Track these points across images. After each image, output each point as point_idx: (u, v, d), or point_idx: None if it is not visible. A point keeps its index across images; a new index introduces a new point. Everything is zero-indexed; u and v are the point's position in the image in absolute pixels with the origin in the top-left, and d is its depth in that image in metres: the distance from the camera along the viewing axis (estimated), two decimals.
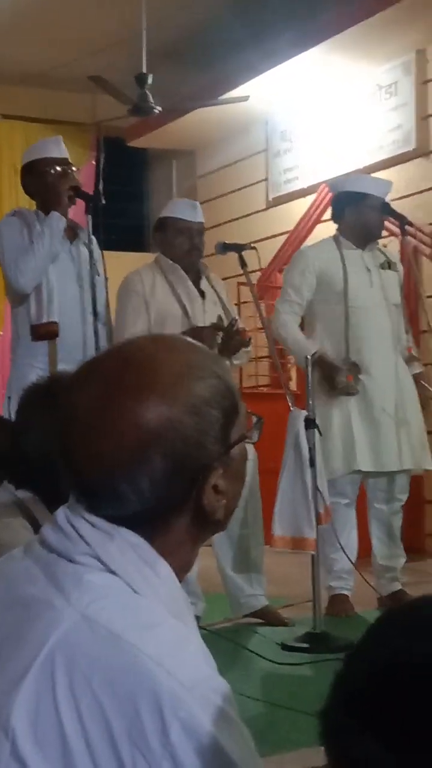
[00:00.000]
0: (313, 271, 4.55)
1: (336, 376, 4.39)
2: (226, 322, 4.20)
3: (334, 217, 4.74)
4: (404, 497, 4.62)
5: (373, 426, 4.46)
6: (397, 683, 0.82)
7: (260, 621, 4.26)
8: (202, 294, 4.33)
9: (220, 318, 4.25)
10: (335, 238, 4.66)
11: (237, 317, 4.34)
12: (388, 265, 4.63)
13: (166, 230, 4.39)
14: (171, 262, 4.35)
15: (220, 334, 4.19)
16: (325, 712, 0.87)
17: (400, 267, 4.76)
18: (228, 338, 4.16)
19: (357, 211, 4.60)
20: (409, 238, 4.70)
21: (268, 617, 4.26)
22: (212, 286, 4.32)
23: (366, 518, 4.63)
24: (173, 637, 1.02)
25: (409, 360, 4.65)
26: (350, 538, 4.46)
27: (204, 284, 4.36)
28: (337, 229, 4.70)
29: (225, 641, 3.66)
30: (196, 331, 4.13)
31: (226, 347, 4.18)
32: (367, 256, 4.61)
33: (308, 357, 4.12)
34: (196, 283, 4.35)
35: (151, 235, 4.73)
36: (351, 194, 4.64)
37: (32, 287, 4.02)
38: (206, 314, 4.28)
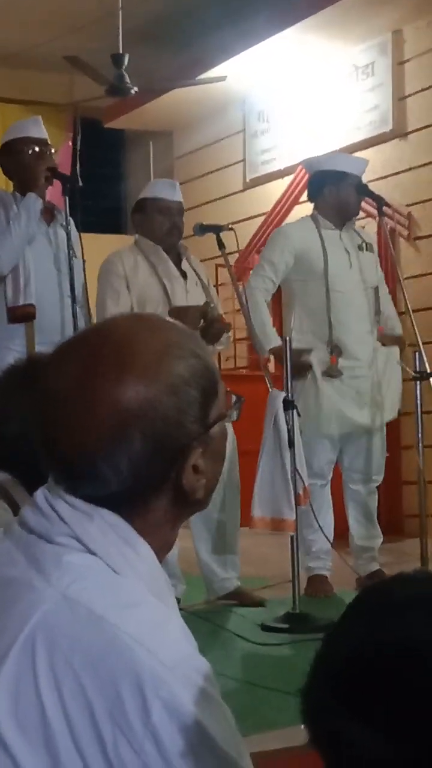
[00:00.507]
0: (291, 250, 4.54)
1: (300, 359, 4.37)
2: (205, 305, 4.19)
3: (311, 197, 4.73)
4: (380, 478, 4.65)
5: (342, 401, 4.48)
6: (374, 661, 0.83)
7: (235, 603, 4.26)
8: (184, 275, 4.31)
9: (207, 303, 4.23)
10: (313, 217, 4.65)
11: (214, 302, 4.32)
12: (366, 246, 4.62)
13: (146, 211, 4.37)
14: (152, 243, 4.33)
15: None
16: (305, 691, 0.88)
17: (375, 248, 4.75)
18: (208, 325, 4.15)
19: (336, 189, 4.59)
20: (386, 219, 4.69)
21: (242, 598, 4.27)
22: (193, 268, 4.30)
23: (342, 499, 4.65)
24: (154, 617, 1.02)
25: (385, 341, 4.65)
26: (326, 519, 4.48)
27: (185, 265, 4.34)
28: (315, 209, 4.69)
29: (205, 622, 3.67)
30: (180, 311, 4.13)
31: (207, 334, 4.18)
32: (345, 236, 4.61)
33: (288, 338, 4.13)
34: (177, 264, 4.34)
35: (129, 217, 4.69)
36: (329, 173, 4.63)
37: (9, 269, 3.99)
38: (188, 294, 4.27)
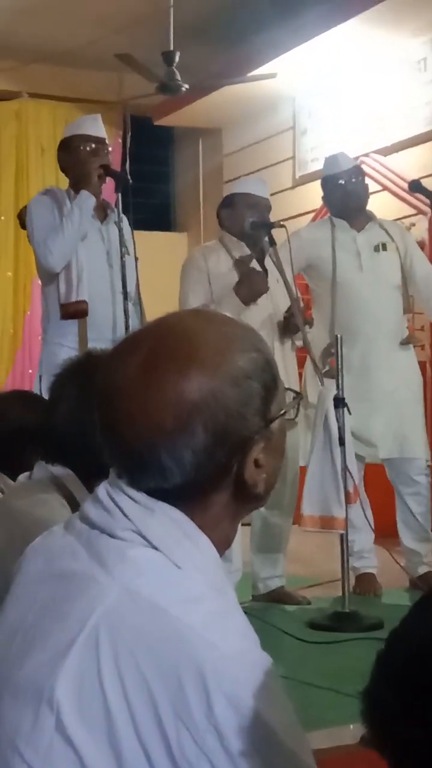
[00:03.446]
0: (302, 253, 4.51)
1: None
2: (290, 301, 4.16)
3: (324, 202, 4.76)
4: (422, 480, 4.49)
5: (356, 414, 4.39)
6: None
7: (277, 602, 4.24)
8: (266, 271, 4.31)
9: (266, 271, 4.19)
10: (330, 219, 4.65)
11: (296, 298, 4.29)
12: (383, 246, 4.51)
13: (235, 206, 4.37)
14: (236, 239, 4.33)
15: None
16: (367, 691, 0.86)
17: (402, 243, 4.58)
18: (289, 317, 4.15)
19: (328, 191, 4.64)
20: (380, 219, 4.66)
21: (284, 598, 4.26)
22: (277, 266, 4.27)
23: (394, 498, 4.59)
24: (216, 611, 1.02)
25: (408, 341, 4.57)
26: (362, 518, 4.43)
27: (267, 262, 4.34)
28: (330, 212, 4.71)
29: (253, 619, 3.65)
30: (243, 280, 4.13)
31: (288, 327, 4.18)
32: (362, 238, 4.53)
33: (339, 336, 4.10)
34: (261, 261, 4.34)
35: (178, 214, 4.69)
36: (325, 178, 4.70)
37: (61, 266, 4.01)
38: (269, 291, 4.26)
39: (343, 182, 4.56)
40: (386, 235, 4.56)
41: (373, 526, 4.42)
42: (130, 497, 1.09)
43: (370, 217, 4.60)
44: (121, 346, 1.13)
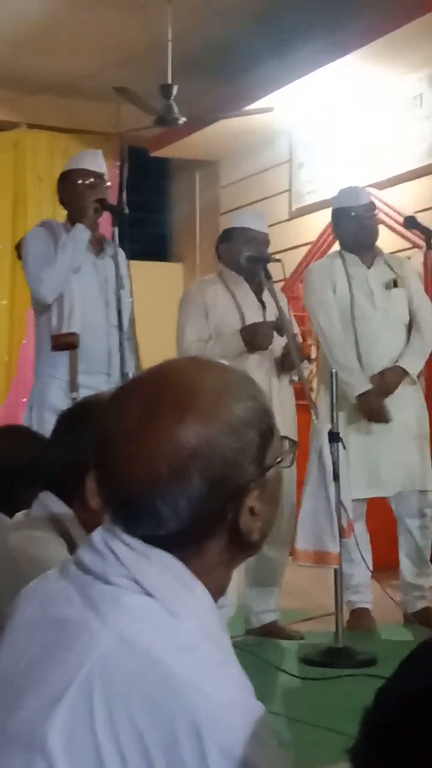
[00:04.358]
0: (329, 284, 4.53)
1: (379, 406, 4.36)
2: (287, 338, 4.17)
3: (335, 234, 4.76)
4: (430, 512, 4.52)
5: (371, 450, 4.41)
6: (424, 720, 0.79)
7: (270, 636, 4.23)
8: (264, 306, 4.33)
9: (279, 318, 4.21)
10: (340, 254, 4.63)
11: (294, 332, 4.30)
12: (394, 283, 4.52)
13: (233, 240, 4.40)
14: (234, 273, 4.35)
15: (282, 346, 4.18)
16: (355, 750, 0.84)
17: (412, 280, 4.61)
18: (287, 353, 4.16)
19: (340, 225, 4.63)
20: (387, 255, 4.67)
21: (277, 633, 4.24)
22: (274, 298, 4.29)
23: (394, 530, 4.59)
24: (211, 661, 1.02)
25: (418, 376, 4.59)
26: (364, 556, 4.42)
27: (265, 296, 4.35)
28: (340, 246, 4.69)
29: (245, 654, 3.65)
30: (252, 326, 4.17)
31: (285, 363, 4.19)
32: (372, 274, 4.54)
33: (333, 371, 4.12)
34: (258, 295, 4.35)
35: (174, 245, 4.72)
36: (335, 211, 4.68)
37: (53, 297, 4.03)
38: None
39: (356, 215, 4.56)
40: (392, 271, 4.57)
41: (370, 564, 4.41)
42: (125, 543, 1.09)
43: (377, 253, 4.61)
44: (118, 394, 1.13)
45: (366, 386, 4.38)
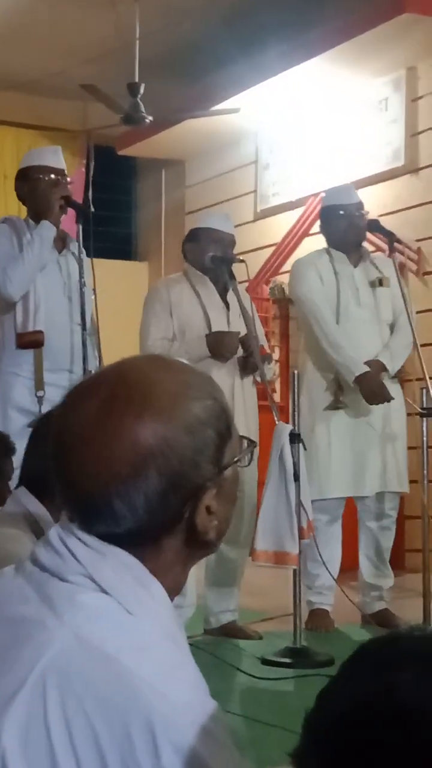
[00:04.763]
0: (316, 275, 4.54)
1: (378, 386, 4.36)
2: (248, 338, 4.18)
3: (322, 231, 4.75)
4: (394, 513, 4.58)
5: (354, 448, 4.44)
6: (360, 727, 0.79)
7: (228, 637, 4.23)
8: (228, 306, 4.33)
9: (246, 335, 4.22)
10: (327, 250, 4.64)
11: (257, 333, 4.29)
12: (380, 282, 4.55)
13: (199, 240, 4.40)
14: (199, 273, 4.36)
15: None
16: (296, 754, 0.84)
17: (394, 281, 4.60)
18: (247, 355, 4.17)
19: (329, 223, 4.63)
20: (396, 254, 4.68)
21: (235, 633, 4.25)
22: (238, 299, 4.30)
23: (356, 534, 4.61)
24: (166, 660, 1.02)
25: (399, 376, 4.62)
26: (332, 555, 4.44)
27: (230, 296, 4.35)
28: (327, 243, 4.70)
29: (204, 654, 3.65)
30: (217, 336, 4.17)
31: (246, 365, 4.20)
32: (358, 272, 4.56)
33: (295, 372, 4.14)
34: (223, 295, 4.36)
35: (138, 243, 4.72)
36: (325, 208, 4.69)
37: (20, 295, 4.01)
38: (230, 325, 4.28)
39: (345, 213, 4.56)
40: (378, 271, 4.58)
41: (338, 566, 4.43)
42: (81, 541, 1.08)
43: (363, 253, 4.62)
44: (75, 392, 1.13)
45: (364, 368, 4.39)
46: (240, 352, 4.23)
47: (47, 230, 4.03)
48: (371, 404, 4.41)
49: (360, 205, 4.65)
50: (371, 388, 4.39)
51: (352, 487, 4.45)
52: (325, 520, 4.45)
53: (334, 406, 4.46)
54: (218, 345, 4.18)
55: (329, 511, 4.49)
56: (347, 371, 4.41)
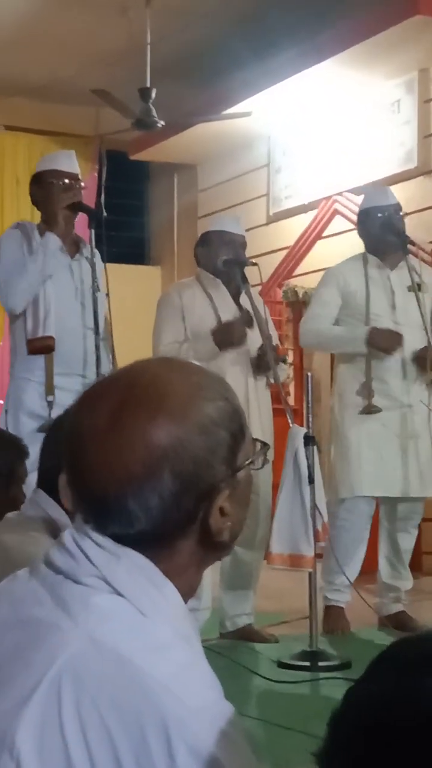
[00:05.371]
0: (338, 288, 4.53)
1: (394, 344, 4.34)
2: (263, 339, 4.17)
3: (359, 234, 4.71)
4: (417, 516, 4.56)
5: (384, 449, 4.42)
6: (385, 727, 0.78)
7: (244, 640, 4.23)
8: (240, 308, 4.33)
9: (248, 313, 4.22)
10: (363, 255, 4.61)
11: (270, 334, 4.29)
12: (418, 287, 4.46)
13: (211, 243, 4.41)
14: (212, 276, 4.36)
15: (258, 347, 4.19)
16: (319, 753, 0.84)
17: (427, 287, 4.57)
18: (262, 354, 4.17)
19: (364, 227, 4.61)
20: (410, 258, 4.65)
21: (251, 636, 4.25)
22: (251, 302, 4.30)
23: (376, 536, 4.58)
24: (181, 661, 1.02)
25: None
26: (357, 556, 4.43)
27: (243, 299, 4.36)
28: (365, 247, 4.66)
29: (220, 657, 3.65)
30: (222, 326, 4.18)
31: (260, 365, 4.19)
32: (395, 276, 4.51)
33: (309, 374, 4.13)
34: (235, 298, 4.36)
35: (150, 248, 4.72)
36: (360, 212, 4.68)
37: (22, 307, 4.02)
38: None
39: (384, 216, 4.53)
40: (418, 276, 4.52)
41: (355, 567, 4.42)
42: (95, 543, 1.08)
43: (403, 256, 4.54)
44: (89, 393, 1.13)
45: (365, 328, 4.38)
46: (254, 352, 4.23)
47: (51, 242, 4.03)
48: (391, 352, 4.36)
49: (398, 207, 4.62)
50: (382, 336, 4.36)
51: (381, 487, 4.42)
52: (355, 520, 4.43)
53: (368, 410, 4.43)
54: (225, 333, 4.17)
55: (359, 513, 4.45)
56: (355, 341, 4.40)
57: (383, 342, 4.38)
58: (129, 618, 1.04)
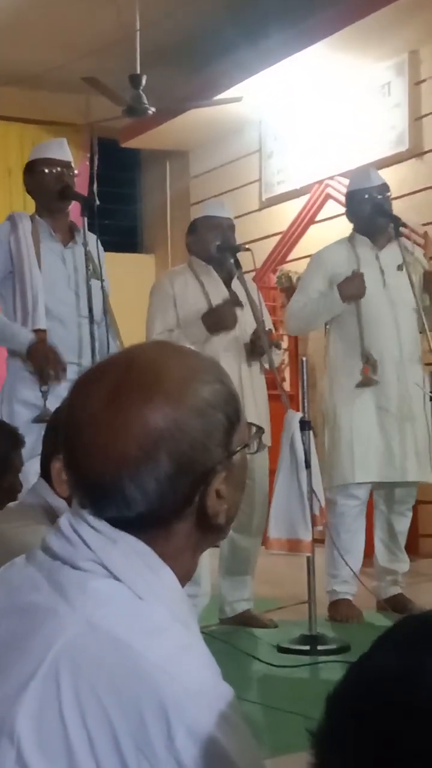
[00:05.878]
0: (325, 274, 4.53)
1: (360, 286, 4.37)
2: (256, 324, 4.18)
3: (347, 217, 4.73)
4: (411, 500, 4.57)
5: (378, 433, 4.41)
6: (384, 704, 0.78)
7: (243, 625, 4.24)
8: (233, 294, 4.33)
9: (235, 294, 4.23)
10: (350, 237, 4.62)
11: (263, 319, 4.30)
12: (403, 266, 4.46)
13: (199, 230, 4.41)
14: (203, 263, 4.36)
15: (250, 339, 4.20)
16: (317, 730, 0.83)
17: (418, 266, 4.58)
18: (256, 340, 4.17)
19: (353, 207, 4.62)
20: (402, 239, 4.65)
21: (251, 621, 4.26)
22: (244, 287, 4.30)
23: (372, 520, 4.59)
24: (178, 644, 1.02)
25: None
26: (357, 545, 4.43)
27: (235, 285, 4.35)
28: (354, 228, 4.67)
29: (220, 642, 3.66)
30: (213, 310, 4.18)
31: (254, 350, 4.19)
32: (384, 255, 4.52)
33: (304, 359, 4.13)
34: (227, 284, 4.36)
35: (144, 235, 4.72)
36: (349, 193, 4.68)
37: None
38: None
39: (370, 197, 4.54)
40: (407, 254, 4.54)
41: (357, 556, 4.42)
42: (92, 527, 1.09)
43: (391, 236, 4.55)
44: (85, 377, 1.13)
45: (335, 288, 4.41)
46: (247, 337, 4.23)
47: (24, 339, 3.96)
48: (362, 295, 4.38)
49: (384, 187, 4.62)
50: (349, 284, 4.39)
51: (375, 472, 4.42)
52: (353, 505, 4.43)
53: (366, 382, 4.41)
54: (215, 317, 4.17)
55: (356, 498, 4.45)
56: (332, 303, 4.42)
57: (352, 288, 4.39)
58: (126, 602, 1.04)
